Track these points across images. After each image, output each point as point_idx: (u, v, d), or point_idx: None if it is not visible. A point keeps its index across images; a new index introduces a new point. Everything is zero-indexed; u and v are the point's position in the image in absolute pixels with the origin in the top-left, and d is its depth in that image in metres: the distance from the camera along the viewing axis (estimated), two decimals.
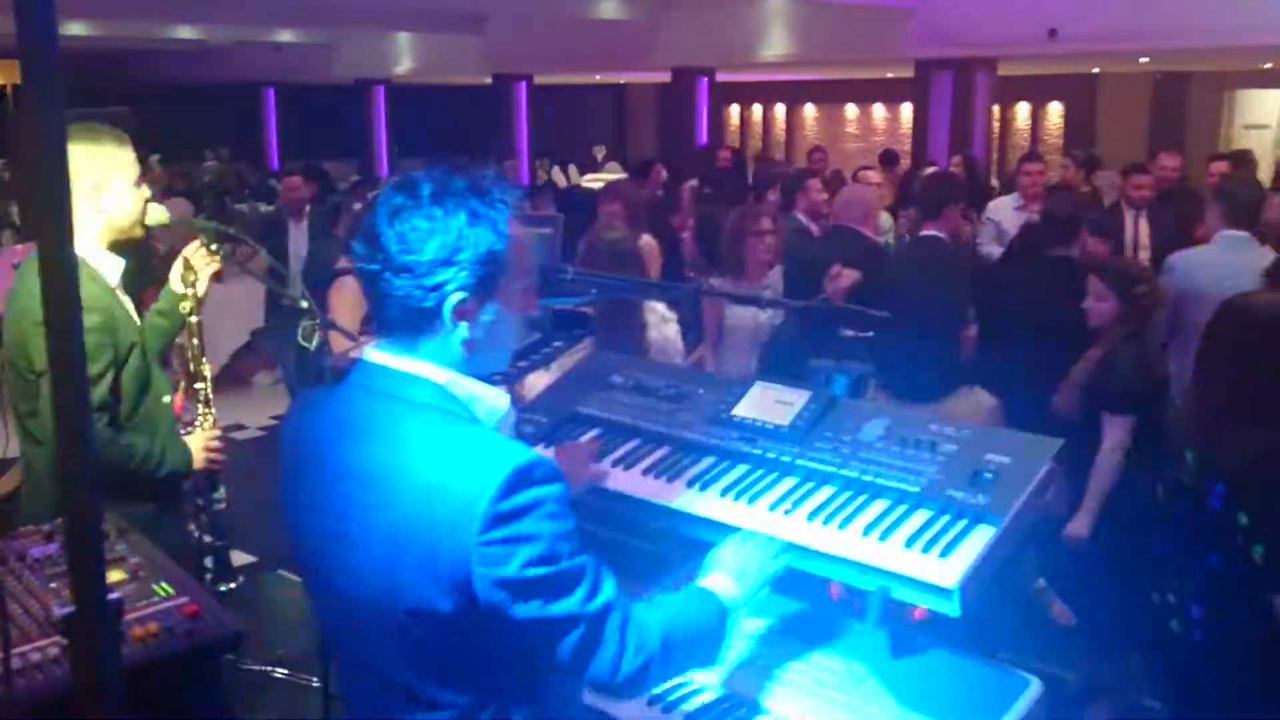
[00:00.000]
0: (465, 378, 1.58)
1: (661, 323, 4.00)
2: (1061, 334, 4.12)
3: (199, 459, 2.93)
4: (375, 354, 1.59)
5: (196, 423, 3.02)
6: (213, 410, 3.03)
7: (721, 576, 1.78)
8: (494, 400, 1.61)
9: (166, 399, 2.94)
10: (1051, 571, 3.99)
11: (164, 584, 2.30)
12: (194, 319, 3.00)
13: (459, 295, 1.51)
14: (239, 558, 3.25)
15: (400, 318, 1.54)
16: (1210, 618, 2.93)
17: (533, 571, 1.45)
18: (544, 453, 2.06)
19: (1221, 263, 4.53)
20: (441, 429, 1.51)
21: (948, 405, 3.26)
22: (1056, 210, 5.10)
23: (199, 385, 3.02)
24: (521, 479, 1.45)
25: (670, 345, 4.01)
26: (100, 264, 2.77)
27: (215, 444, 2.99)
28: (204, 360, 3.03)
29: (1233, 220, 4.72)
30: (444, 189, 1.52)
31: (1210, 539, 2.91)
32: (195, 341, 3.01)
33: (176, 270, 3.00)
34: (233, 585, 3.12)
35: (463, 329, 1.54)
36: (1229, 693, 2.91)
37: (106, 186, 2.73)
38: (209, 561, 3.08)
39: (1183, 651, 2.96)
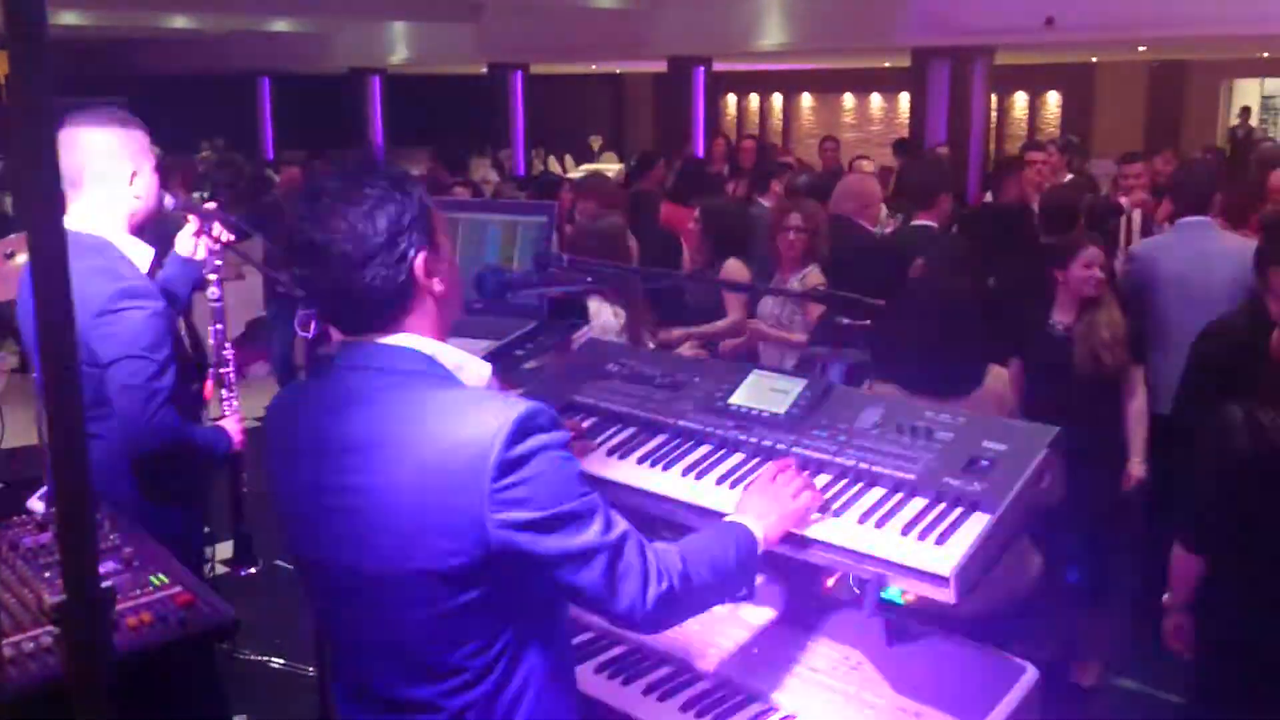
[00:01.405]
0: (448, 347, 1.62)
1: (594, 316, 3.75)
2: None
3: (238, 440, 2.90)
4: (354, 338, 1.62)
5: (224, 407, 3.01)
6: (235, 395, 3.02)
7: (745, 515, 1.80)
8: (478, 368, 1.65)
9: (195, 385, 2.92)
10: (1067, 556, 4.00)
11: (158, 573, 2.29)
12: (218, 304, 2.99)
13: (421, 254, 1.56)
14: (228, 549, 3.24)
15: (377, 307, 1.57)
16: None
17: (550, 510, 1.49)
18: None
19: (1184, 249, 4.53)
20: (438, 392, 1.56)
21: (984, 389, 3.14)
22: (1053, 200, 5.09)
23: (223, 370, 3.01)
24: (526, 425, 1.49)
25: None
26: (135, 254, 2.72)
27: (240, 427, 2.98)
28: (226, 345, 3.02)
29: (1188, 207, 4.70)
30: (349, 178, 1.56)
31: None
32: (219, 326, 3.01)
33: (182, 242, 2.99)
34: (253, 569, 3.11)
35: (435, 285, 1.59)
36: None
37: (141, 171, 2.71)
38: (215, 546, 3.07)
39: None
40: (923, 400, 2.97)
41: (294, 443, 1.64)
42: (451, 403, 1.54)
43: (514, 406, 1.51)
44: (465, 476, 1.48)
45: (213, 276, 3.01)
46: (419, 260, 1.56)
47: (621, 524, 1.57)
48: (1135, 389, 4.01)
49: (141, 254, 2.74)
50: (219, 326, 3.01)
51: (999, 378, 3.29)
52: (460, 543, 1.49)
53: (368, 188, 1.54)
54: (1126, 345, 3.94)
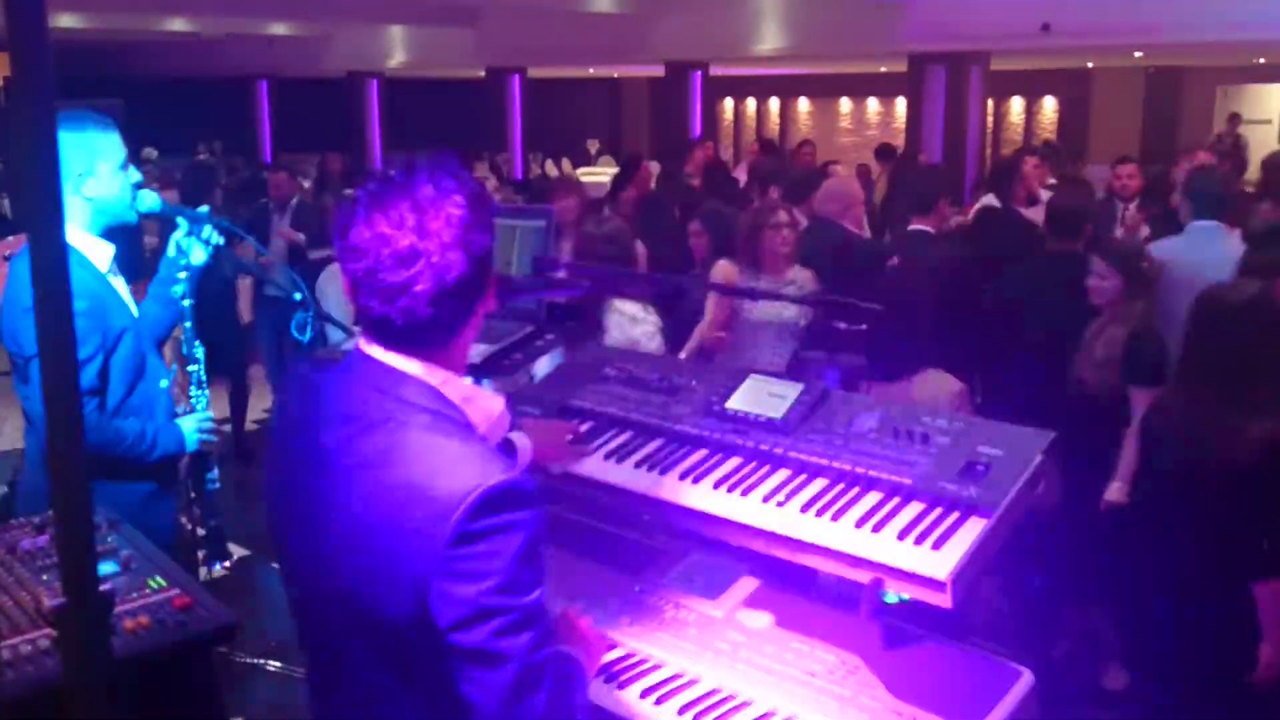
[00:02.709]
0: (458, 380, 1.57)
1: (629, 323, 3.80)
2: (1066, 325, 4.12)
3: (192, 441, 2.94)
4: (372, 348, 1.55)
5: (192, 405, 3.03)
6: (205, 392, 3.03)
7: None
8: (488, 402, 1.61)
9: (163, 383, 2.95)
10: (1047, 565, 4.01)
11: (156, 576, 2.29)
12: (186, 302, 3.01)
13: (490, 291, 1.54)
14: (230, 550, 3.25)
15: (421, 336, 1.51)
16: (1181, 604, 2.98)
17: (494, 602, 1.42)
18: (517, 434, 2.05)
19: (1196, 253, 4.54)
20: (429, 434, 1.49)
21: (914, 385, 3.40)
22: (1060, 205, 4.98)
23: (191, 368, 3.02)
24: (496, 500, 1.42)
25: (638, 348, 3.77)
26: (89, 250, 2.79)
27: (207, 425, 3.01)
28: (196, 343, 3.03)
29: (1201, 211, 4.72)
30: (439, 193, 1.48)
31: (1191, 526, 2.94)
32: (187, 324, 3.01)
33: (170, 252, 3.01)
34: (227, 564, 3.12)
35: (471, 319, 1.54)
36: (1190, 677, 2.97)
37: (91, 172, 2.74)
38: (202, 541, 3.09)
39: (1156, 632, 3.03)
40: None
41: (293, 437, 1.62)
42: (439, 450, 1.47)
43: (489, 476, 1.43)
44: (424, 531, 1.42)
45: (181, 275, 3.01)
46: (480, 306, 1.53)
47: (549, 646, 1.48)
48: (1138, 412, 3.71)
49: (101, 252, 2.82)
50: (188, 324, 3.01)
51: (943, 387, 3.39)
52: (402, 595, 1.43)
53: (463, 213, 1.46)
54: (1119, 367, 3.80)
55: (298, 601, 1.66)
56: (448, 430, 1.51)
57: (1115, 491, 3.78)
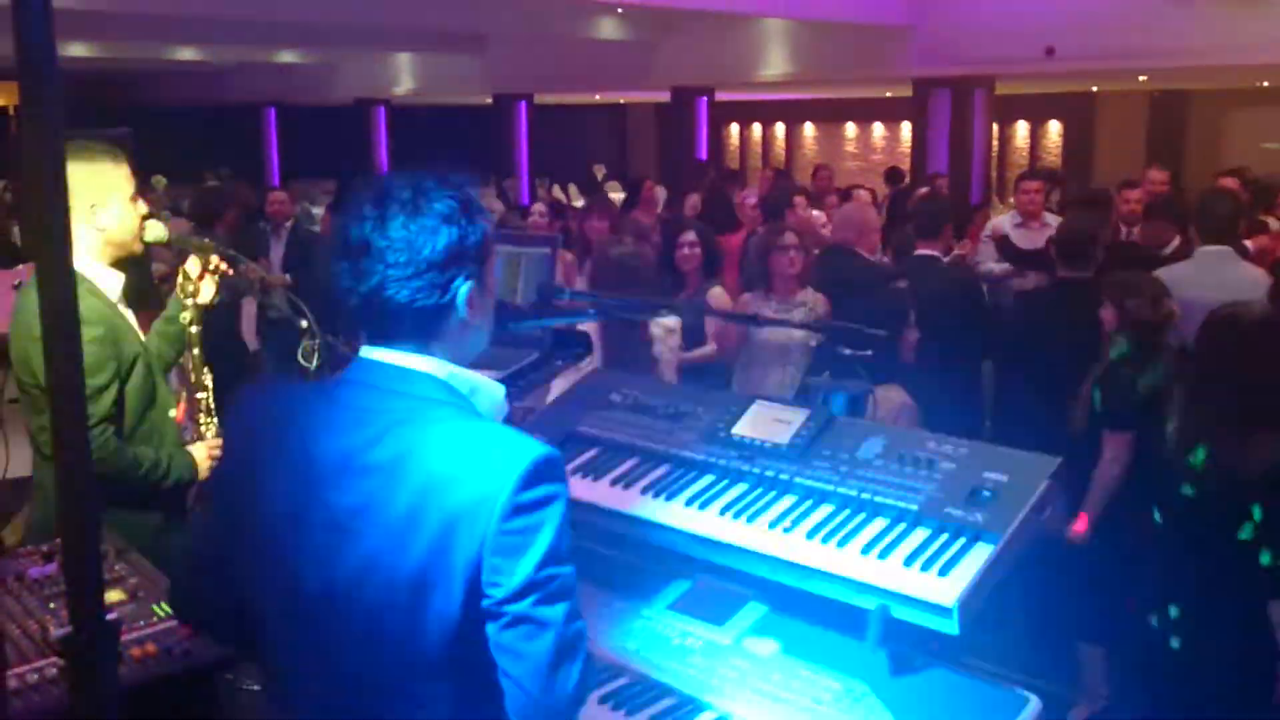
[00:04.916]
0: (463, 369, 1.59)
1: (667, 335, 4.12)
2: (1078, 355, 4.07)
3: (204, 469, 2.94)
4: (373, 352, 1.58)
5: (201, 432, 3.03)
6: (215, 420, 3.04)
7: None
8: (491, 389, 1.63)
9: (172, 411, 2.96)
10: (1044, 586, 3.98)
11: (163, 604, 2.29)
12: (194, 329, 3.02)
13: (469, 284, 1.55)
14: None
15: (408, 323, 1.54)
16: (1193, 625, 2.97)
17: (542, 572, 1.45)
18: None
19: (1206, 278, 4.53)
20: (452, 423, 1.52)
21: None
22: (1069, 234, 4.92)
23: (200, 395, 3.03)
24: (543, 471, 1.47)
25: (674, 358, 4.18)
26: (100, 279, 2.81)
27: (218, 453, 3.00)
28: (205, 370, 3.04)
29: (1209, 236, 4.71)
30: (421, 190, 1.54)
31: (1209, 546, 2.93)
32: (195, 352, 3.02)
33: (179, 282, 3.03)
34: None
35: (470, 316, 1.57)
36: (1210, 700, 2.95)
37: (102, 204, 2.76)
38: None
39: (1165, 661, 3.01)
40: None
41: (276, 453, 1.57)
42: (467, 436, 1.50)
43: (533, 448, 1.47)
44: (472, 514, 1.44)
45: (189, 302, 3.02)
46: (465, 289, 1.55)
47: (580, 618, 1.51)
48: (1105, 452, 3.73)
49: (111, 282, 2.84)
50: (196, 352, 3.02)
51: (891, 401, 3.48)
52: (456, 582, 1.44)
53: (438, 204, 1.53)
54: (1099, 411, 3.73)
55: (287, 614, 1.57)
56: (469, 416, 1.55)
57: (1079, 523, 3.71)
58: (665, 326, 4.13)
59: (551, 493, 1.47)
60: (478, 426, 1.53)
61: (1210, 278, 4.49)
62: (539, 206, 8.22)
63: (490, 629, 1.47)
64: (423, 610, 1.47)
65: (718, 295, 4.95)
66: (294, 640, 1.59)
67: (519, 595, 1.45)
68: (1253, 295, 4.25)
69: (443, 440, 1.49)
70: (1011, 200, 10.20)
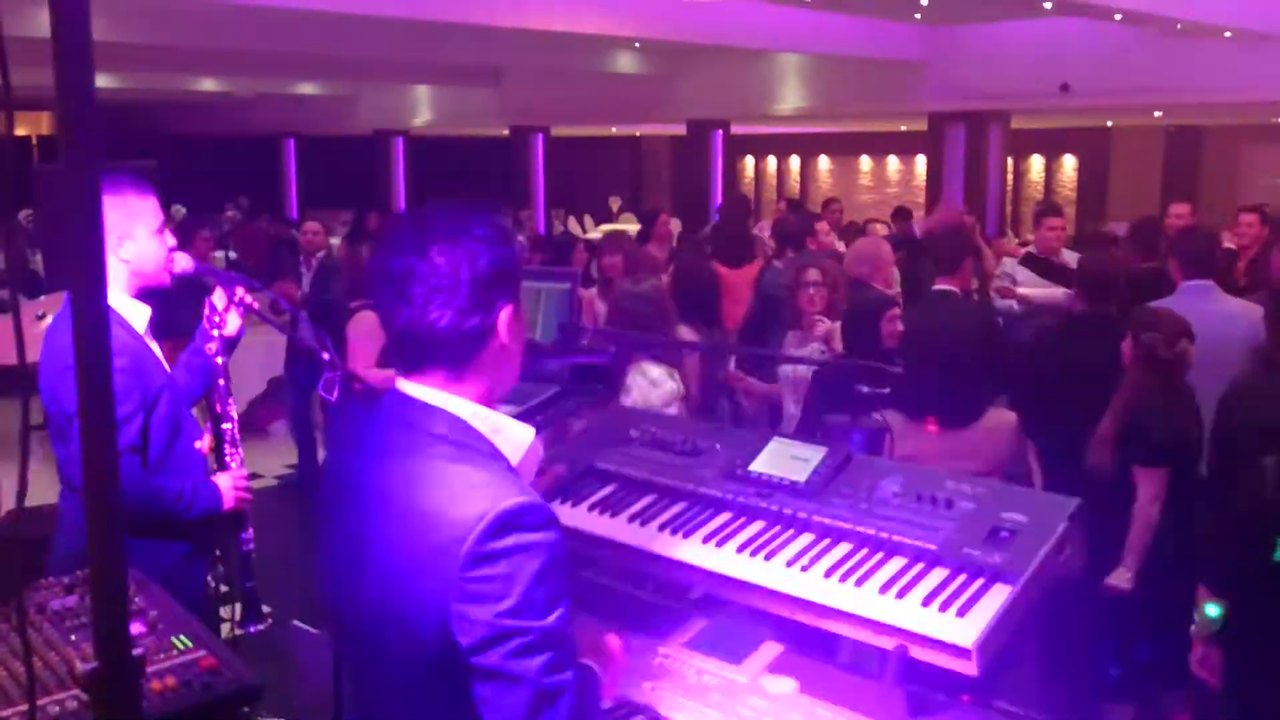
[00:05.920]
0: (488, 411, 1.59)
1: (649, 387, 3.77)
2: (1099, 391, 4.01)
3: (229, 500, 2.95)
4: (405, 384, 1.59)
5: (226, 463, 3.05)
6: (240, 451, 3.06)
7: None
8: (518, 432, 1.61)
9: (198, 443, 2.97)
10: (1093, 624, 3.94)
11: (182, 636, 2.30)
12: (219, 360, 3.05)
13: (508, 309, 1.56)
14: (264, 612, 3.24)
15: (448, 350, 1.54)
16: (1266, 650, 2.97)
17: (510, 624, 1.42)
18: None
19: (1191, 312, 4.50)
20: (450, 463, 1.51)
21: (983, 424, 3.49)
22: (1092, 269, 4.83)
23: (225, 426, 3.05)
24: (508, 522, 1.43)
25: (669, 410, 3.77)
26: (126, 311, 2.83)
27: (244, 484, 3.02)
28: (230, 401, 3.06)
29: (1190, 270, 4.69)
30: (459, 216, 1.55)
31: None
32: (221, 383, 3.04)
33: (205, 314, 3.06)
34: (262, 627, 3.11)
35: (510, 340, 1.58)
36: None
37: (129, 235, 2.79)
38: (236, 605, 3.08)
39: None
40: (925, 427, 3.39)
41: (334, 484, 1.67)
42: (455, 475, 1.49)
43: (503, 499, 1.44)
44: (442, 556, 1.44)
45: (214, 333, 3.04)
46: (504, 314, 1.55)
47: (568, 670, 1.46)
48: (1140, 493, 3.67)
49: (138, 314, 2.85)
50: (221, 382, 3.04)
51: (1002, 419, 3.51)
52: (430, 622, 1.45)
53: (477, 228, 1.54)
54: (1119, 447, 3.70)
55: (347, 649, 1.69)
56: (470, 458, 1.52)
57: (1119, 577, 3.65)
58: (650, 376, 3.78)
59: (522, 543, 1.43)
60: (462, 470, 1.50)
61: (1192, 312, 4.47)
62: (519, 238, 8.20)
63: (472, 677, 1.46)
64: (413, 645, 1.50)
65: (681, 335, 4.87)
66: (354, 680, 1.70)
67: (485, 646, 1.43)
68: (1238, 328, 4.25)
69: (431, 479, 1.50)
70: (1011, 236, 10.21)
